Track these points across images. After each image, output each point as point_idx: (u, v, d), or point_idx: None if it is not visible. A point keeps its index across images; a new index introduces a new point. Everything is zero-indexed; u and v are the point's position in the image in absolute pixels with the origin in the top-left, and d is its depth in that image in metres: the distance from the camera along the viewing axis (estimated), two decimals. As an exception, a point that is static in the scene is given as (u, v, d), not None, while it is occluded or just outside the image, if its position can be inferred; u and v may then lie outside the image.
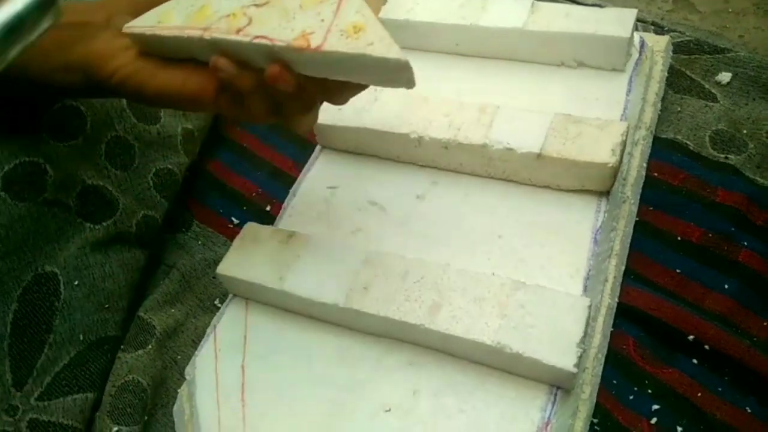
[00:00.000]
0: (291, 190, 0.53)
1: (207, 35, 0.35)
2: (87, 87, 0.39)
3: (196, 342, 0.48)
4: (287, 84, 0.35)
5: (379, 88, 0.53)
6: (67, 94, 0.45)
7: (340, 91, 0.38)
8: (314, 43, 0.33)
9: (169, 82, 0.36)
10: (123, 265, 0.50)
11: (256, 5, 0.35)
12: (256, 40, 0.34)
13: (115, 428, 0.43)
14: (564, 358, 0.37)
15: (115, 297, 0.48)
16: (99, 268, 0.48)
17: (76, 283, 0.47)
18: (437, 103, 0.51)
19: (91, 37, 0.38)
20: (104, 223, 0.49)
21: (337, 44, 0.33)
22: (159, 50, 0.37)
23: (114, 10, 0.39)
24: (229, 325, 0.46)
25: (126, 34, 0.37)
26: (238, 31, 0.34)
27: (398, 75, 0.33)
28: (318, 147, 0.55)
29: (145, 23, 0.36)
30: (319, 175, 0.53)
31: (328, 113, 0.53)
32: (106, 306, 0.48)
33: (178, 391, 0.45)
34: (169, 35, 0.35)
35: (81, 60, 0.37)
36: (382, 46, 0.32)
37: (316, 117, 0.40)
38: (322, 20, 0.34)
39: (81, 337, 0.46)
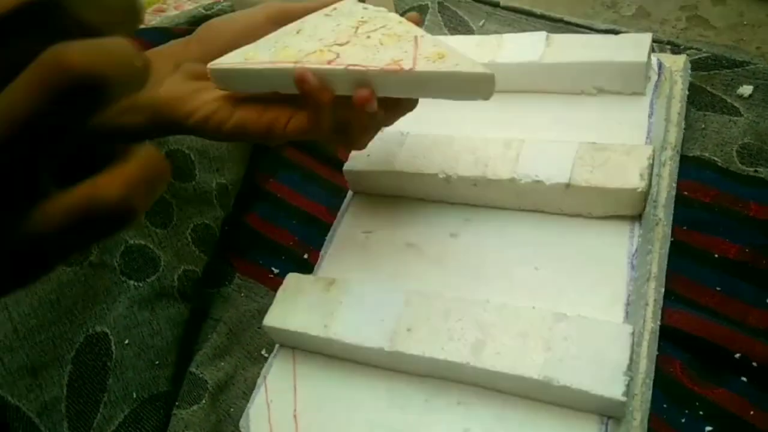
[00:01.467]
0: (327, 237, 0.54)
1: (300, 66, 0.38)
2: (154, 128, 0.40)
3: (247, 394, 0.49)
4: (372, 105, 0.39)
5: (405, 131, 0.55)
6: (128, 134, 0.47)
7: (394, 111, 0.43)
8: (406, 66, 0.38)
9: (246, 117, 0.39)
10: (169, 320, 0.51)
11: (339, 44, 0.40)
12: (350, 68, 0.38)
13: (176, 484, 0.44)
14: (612, 388, 0.37)
15: (164, 353, 0.50)
16: (147, 326, 0.50)
17: (126, 341, 0.48)
18: (463, 141, 0.52)
19: (158, 82, 0.40)
20: (148, 280, 0.51)
21: (427, 66, 0.38)
22: (242, 85, 0.40)
23: (183, 58, 0.42)
24: (278, 375, 0.47)
25: (211, 70, 0.40)
26: (329, 62, 0.39)
27: (481, 87, 0.38)
28: (350, 192, 0.57)
29: (233, 60, 0.40)
30: (353, 221, 0.54)
31: (358, 160, 0.54)
32: (156, 363, 0.49)
33: (234, 443, 0.46)
34: (262, 68, 0.39)
35: (150, 102, 0.39)
36: (467, 65, 0.37)
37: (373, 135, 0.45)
38: (406, 51, 0.39)
39: (134, 395, 0.47)
